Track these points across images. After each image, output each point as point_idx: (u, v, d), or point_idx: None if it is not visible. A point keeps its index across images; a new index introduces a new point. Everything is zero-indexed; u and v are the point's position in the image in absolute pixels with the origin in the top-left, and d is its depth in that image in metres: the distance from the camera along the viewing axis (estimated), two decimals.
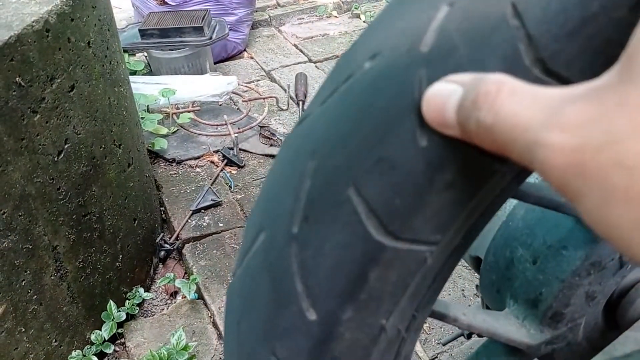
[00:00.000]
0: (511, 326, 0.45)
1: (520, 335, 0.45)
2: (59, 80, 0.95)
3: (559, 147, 0.18)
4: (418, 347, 1.20)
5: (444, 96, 0.23)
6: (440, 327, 1.26)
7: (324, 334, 0.31)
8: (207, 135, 1.86)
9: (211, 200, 1.58)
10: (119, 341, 1.26)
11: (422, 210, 0.27)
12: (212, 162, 1.77)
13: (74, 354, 1.14)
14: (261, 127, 1.90)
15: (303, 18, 2.78)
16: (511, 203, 0.54)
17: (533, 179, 0.51)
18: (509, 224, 0.51)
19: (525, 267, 0.47)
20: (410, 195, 0.26)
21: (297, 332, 0.32)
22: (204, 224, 1.52)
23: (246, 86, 2.17)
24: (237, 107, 2.06)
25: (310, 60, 2.39)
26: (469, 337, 0.82)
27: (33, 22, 0.87)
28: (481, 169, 0.26)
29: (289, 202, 0.30)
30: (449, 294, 1.32)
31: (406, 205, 0.27)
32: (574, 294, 0.44)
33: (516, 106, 0.20)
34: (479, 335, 0.74)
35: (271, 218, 0.32)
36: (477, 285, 0.74)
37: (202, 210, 1.56)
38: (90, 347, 1.18)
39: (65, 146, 0.99)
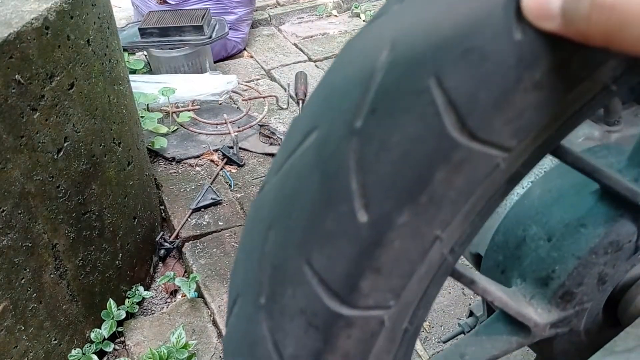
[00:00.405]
0: (519, 302, 0.45)
1: (529, 312, 0.44)
2: (58, 78, 0.95)
3: None
4: (418, 346, 1.20)
5: None
6: (441, 326, 1.26)
7: (372, 238, 0.29)
8: (206, 134, 1.86)
9: (211, 199, 1.58)
10: (118, 340, 1.26)
11: (505, 110, 0.26)
12: (211, 160, 1.77)
13: (73, 352, 1.14)
14: (261, 126, 1.90)
15: (303, 17, 2.78)
16: (513, 199, 0.54)
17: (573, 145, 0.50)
18: (523, 202, 0.51)
19: (538, 244, 0.47)
20: (496, 90, 0.25)
21: (342, 236, 0.29)
22: (204, 223, 1.52)
23: (246, 85, 2.16)
24: (236, 106, 2.06)
25: (310, 59, 2.39)
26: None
27: (32, 19, 0.87)
28: (572, 73, 0.25)
29: (354, 95, 0.29)
30: (449, 292, 1.32)
31: (489, 101, 0.26)
32: (588, 273, 0.44)
33: None
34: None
35: (328, 115, 0.30)
36: None
37: (202, 209, 1.56)
38: (90, 346, 1.18)
39: (65, 144, 0.99)
